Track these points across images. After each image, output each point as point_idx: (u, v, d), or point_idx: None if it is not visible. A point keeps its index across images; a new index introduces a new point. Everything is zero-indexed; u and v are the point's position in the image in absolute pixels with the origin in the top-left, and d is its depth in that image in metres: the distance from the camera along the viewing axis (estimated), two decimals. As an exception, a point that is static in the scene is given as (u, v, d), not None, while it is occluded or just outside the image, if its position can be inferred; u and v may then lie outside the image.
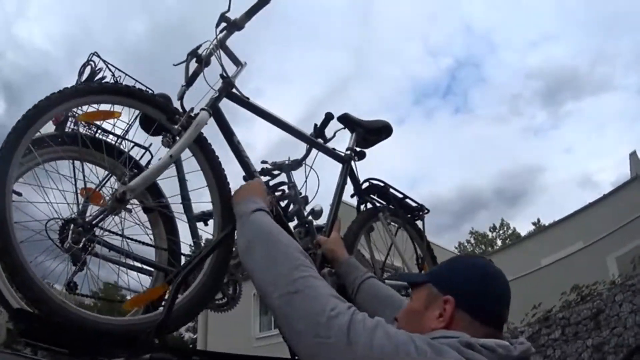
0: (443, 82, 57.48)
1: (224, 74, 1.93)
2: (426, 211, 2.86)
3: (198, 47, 1.95)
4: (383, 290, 1.71)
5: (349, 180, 2.49)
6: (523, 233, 30.12)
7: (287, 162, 2.51)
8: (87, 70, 2.23)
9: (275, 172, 2.50)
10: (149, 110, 1.82)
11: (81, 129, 2.06)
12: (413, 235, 2.75)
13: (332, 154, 2.46)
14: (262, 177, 2.33)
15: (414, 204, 2.82)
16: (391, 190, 2.66)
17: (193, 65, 1.96)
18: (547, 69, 45.04)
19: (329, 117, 2.48)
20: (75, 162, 1.96)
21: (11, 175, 1.49)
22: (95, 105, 1.85)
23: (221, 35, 1.95)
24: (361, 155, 2.58)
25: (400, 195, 2.73)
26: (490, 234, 34.89)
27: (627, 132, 43.51)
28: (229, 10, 1.89)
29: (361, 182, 2.57)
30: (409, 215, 2.79)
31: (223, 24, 1.93)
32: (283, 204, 2.10)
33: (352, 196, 2.58)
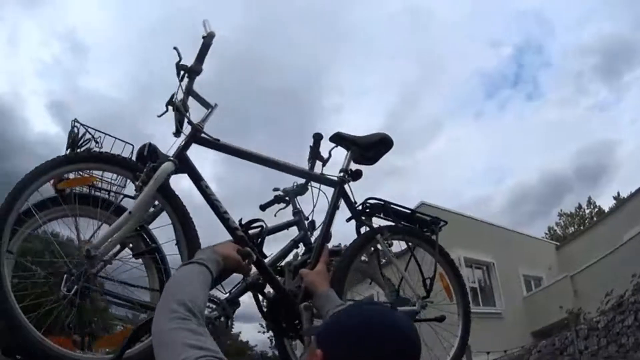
0: (510, 71, 55.80)
1: (189, 121, 1.95)
2: (442, 223, 2.73)
3: (172, 96, 1.97)
4: None
5: (343, 203, 2.39)
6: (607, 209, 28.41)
7: (293, 187, 2.49)
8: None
9: (286, 199, 2.50)
10: (118, 170, 1.94)
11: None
12: (428, 250, 2.64)
13: (322, 179, 2.38)
14: (275, 204, 2.41)
15: (427, 218, 2.70)
16: (394, 207, 2.53)
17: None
18: (599, 42, 43.47)
19: (317, 138, 2.43)
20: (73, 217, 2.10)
21: (7, 233, 1.68)
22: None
23: (184, 83, 1.98)
24: (356, 175, 2.44)
25: (407, 211, 2.62)
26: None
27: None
28: (181, 59, 1.92)
29: (358, 204, 2.44)
30: (424, 230, 2.68)
31: (182, 72, 1.95)
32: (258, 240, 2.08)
33: (347, 220, 2.44)
